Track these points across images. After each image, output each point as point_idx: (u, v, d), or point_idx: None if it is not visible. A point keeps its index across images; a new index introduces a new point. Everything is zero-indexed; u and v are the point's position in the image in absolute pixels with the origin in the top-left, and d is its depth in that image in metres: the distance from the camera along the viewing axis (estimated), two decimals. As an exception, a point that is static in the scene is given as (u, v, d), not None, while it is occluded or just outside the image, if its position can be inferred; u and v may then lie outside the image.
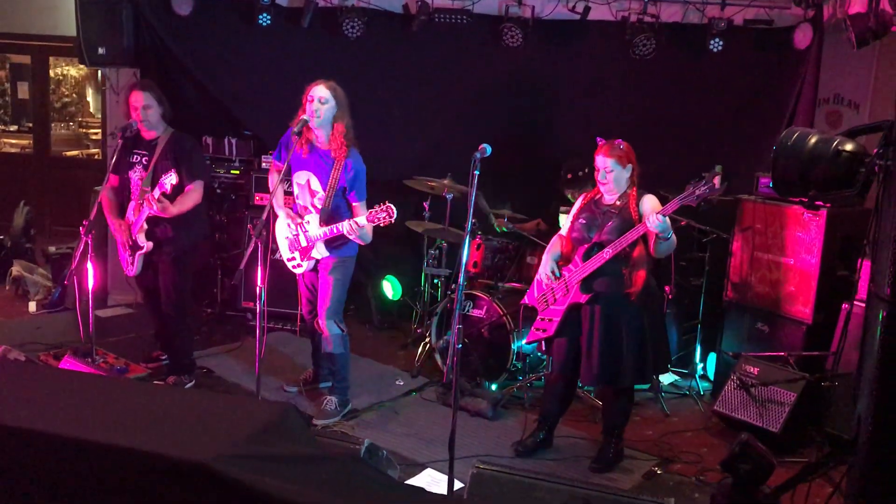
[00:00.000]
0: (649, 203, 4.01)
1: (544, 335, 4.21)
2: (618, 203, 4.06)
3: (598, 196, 4.17)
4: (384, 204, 4.14)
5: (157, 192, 4.47)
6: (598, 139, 4.14)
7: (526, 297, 4.40)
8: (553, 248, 4.29)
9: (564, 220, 4.35)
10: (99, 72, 9.40)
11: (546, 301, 4.23)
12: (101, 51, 6.10)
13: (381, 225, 4.19)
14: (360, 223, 4.23)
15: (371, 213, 4.17)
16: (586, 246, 4.05)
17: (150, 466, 2.07)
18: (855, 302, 4.50)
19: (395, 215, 4.12)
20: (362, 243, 4.42)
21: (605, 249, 3.94)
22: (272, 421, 2.40)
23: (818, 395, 4.45)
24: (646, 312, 4.03)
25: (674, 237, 3.89)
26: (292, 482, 2.10)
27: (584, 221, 4.12)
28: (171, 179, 4.41)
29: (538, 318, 4.26)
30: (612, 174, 4.01)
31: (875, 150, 2.22)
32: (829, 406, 4.37)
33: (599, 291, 4.01)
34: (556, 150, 6.18)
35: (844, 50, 5.37)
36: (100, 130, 9.83)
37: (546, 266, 4.22)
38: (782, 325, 4.92)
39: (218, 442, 2.19)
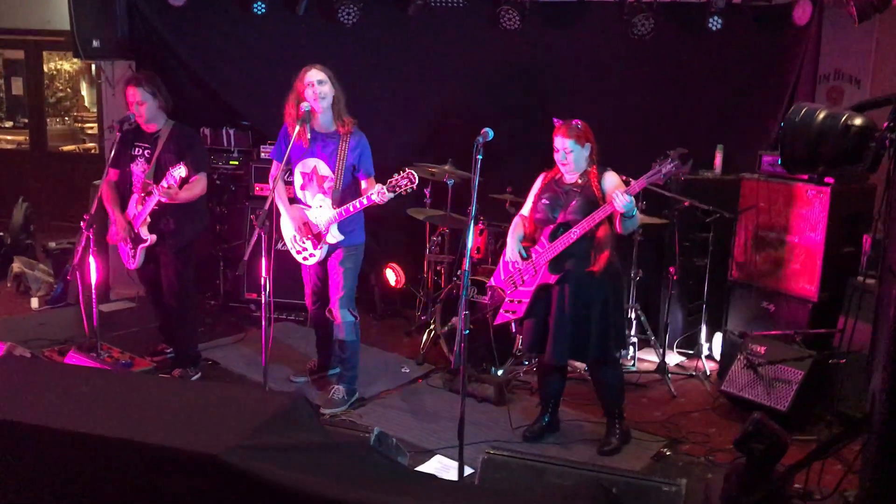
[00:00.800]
0: (611, 181, 4.02)
1: (514, 316, 4.22)
2: (579, 182, 4.05)
3: (558, 176, 4.15)
4: (404, 171, 4.11)
5: (166, 183, 4.43)
6: (555, 120, 4.11)
7: (492, 280, 4.38)
8: (516, 230, 4.26)
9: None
10: (93, 65, 9.37)
11: (514, 283, 4.22)
12: (95, 44, 6.06)
13: (403, 193, 4.15)
14: (381, 192, 4.15)
15: (391, 181, 4.13)
16: (552, 226, 4.05)
17: (162, 460, 2.06)
18: (860, 278, 4.50)
19: (416, 181, 4.09)
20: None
21: (573, 229, 3.94)
22: (282, 411, 2.39)
23: (826, 372, 4.44)
24: (610, 290, 4.06)
25: (638, 215, 3.92)
26: (304, 472, 2.09)
27: (547, 202, 4.11)
28: (180, 172, 4.39)
29: (507, 300, 4.25)
30: (571, 154, 4.00)
31: (885, 125, 2.19)
32: (838, 383, 4.37)
33: (568, 271, 4.02)
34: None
35: (844, 25, 5.33)
36: (96, 125, 9.80)
37: (513, 249, 4.20)
38: (788, 303, 4.91)
39: (228, 434, 2.17)
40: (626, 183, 3.96)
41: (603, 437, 4.26)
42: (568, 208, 4.01)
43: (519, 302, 4.19)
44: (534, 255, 4.13)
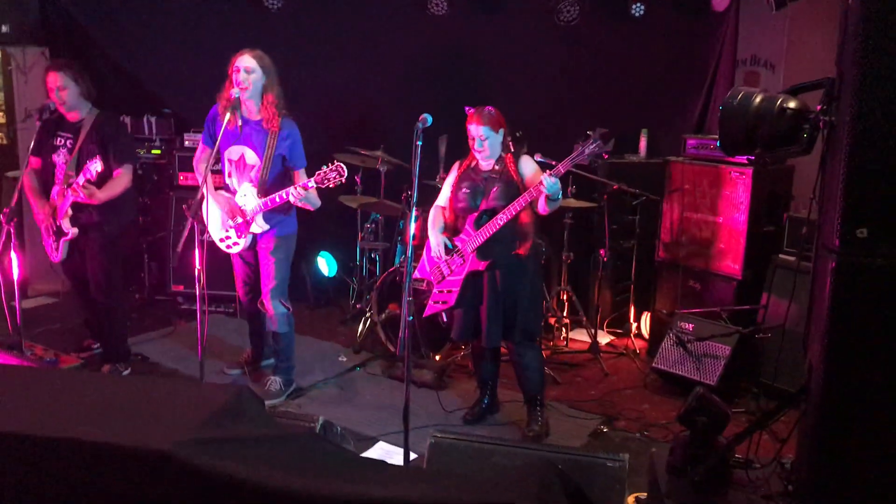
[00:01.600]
0: (529, 164, 4.07)
1: (445, 307, 4.23)
2: (496, 168, 4.08)
3: (473, 163, 4.18)
4: (333, 163, 4.06)
5: (81, 179, 4.27)
6: (467, 108, 4.14)
7: (418, 272, 4.37)
8: (436, 222, 4.28)
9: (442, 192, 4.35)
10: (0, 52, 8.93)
11: (442, 273, 4.23)
12: (4, 28, 5.80)
13: (332, 186, 4.10)
14: (308, 186, 4.13)
15: (319, 174, 4.09)
16: (475, 214, 4.07)
17: (111, 458, 2.00)
18: (780, 255, 4.69)
19: (345, 174, 4.06)
20: (311, 209, 4.33)
21: (499, 215, 3.96)
22: (227, 403, 2.35)
23: (751, 347, 4.62)
24: (534, 273, 4.14)
25: (561, 195, 3.97)
26: (254, 464, 2.06)
27: (467, 190, 4.12)
28: (95, 166, 4.23)
29: (435, 291, 4.26)
30: (487, 141, 4.02)
31: (818, 107, 2.29)
32: (763, 357, 4.55)
33: (497, 256, 4.06)
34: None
35: (760, 11, 5.52)
36: (2, 114, 9.33)
37: (437, 242, 4.20)
38: (714, 281, 5.07)
39: (177, 428, 2.13)
40: (548, 166, 3.99)
41: (525, 424, 4.26)
42: (489, 195, 4.03)
43: (448, 292, 4.20)
44: (459, 245, 4.14)
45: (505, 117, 4.10)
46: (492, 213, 4.00)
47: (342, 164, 4.05)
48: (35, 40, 5.92)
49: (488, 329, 4.11)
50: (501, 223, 3.96)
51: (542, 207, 3.95)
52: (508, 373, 4.58)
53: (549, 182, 3.75)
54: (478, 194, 4.08)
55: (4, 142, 9.01)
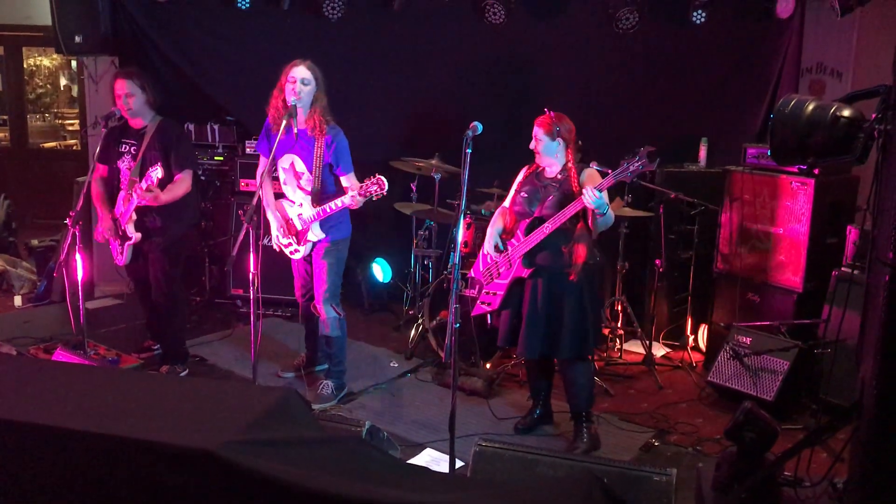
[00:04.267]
0: (589, 177, 4.02)
1: (489, 308, 4.23)
2: (559, 177, 4.06)
3: (540, 169, 4.17)
4: (374, 177, 4.14)
5: (143, 185, 4.42)
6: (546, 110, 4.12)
7: (472, 271, 4.40)
8: (497, 222, 4.28)
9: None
10: (73, 61, 9.27)
11: (491, 275, 4.24)
12: (77, 39, 6.01)
13: (374, 198, 4.17)
14: (353, 197, 4.21)
15: (362, 186, 4.17)
16: (528, 220, 4.05)
17: (158, 456, 2.06)
18: (842, 268, 4.55)
19: (386, 187, 4.13)
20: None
21: (545, 224, 3.94)
22: (275, 406, 2.39)
23: (811, 362, 4.49)
24: (586, 286, 4.02)
25: (611, 213, 3.90)
26: (299, 466, 2.09)
27: (525, 195, 4.12)
28: (157, 173, 4.37)
29: (483, 291, 4.27)
30: (540, 144, 4.03)
31: (873, 115, 2.22)
32: (823, 373, 4.42)
33: (541, 265, 4.02)
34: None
35: (826, 18, 5.38)
36: (76, 121, 9.70)
37: (490, 240, 4.22)
38: (773, 294, 4.95)
39: (223, 429, 2.17)
40: (605, 176, 3.96)
41: (569, 442, 4.18)
42: (545, 203, 4.01)
43: (494, 294, 4.21)
44: (509, 249, 4.14)
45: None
46: (542, 221, 3.99)
47: (382, 178, 4.13)
48: (106, 50, 6.14)
49: (524, 338, 4.06)
50: (546, 232, 3.94)
51: (591, 224, 3.91)
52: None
53: (590, 194, 3.71)
54: (534, 201, 4.07)
55: (78, 147, 9.39)
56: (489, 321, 4.40)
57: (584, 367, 4.18)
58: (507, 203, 4.30)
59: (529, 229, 4.03)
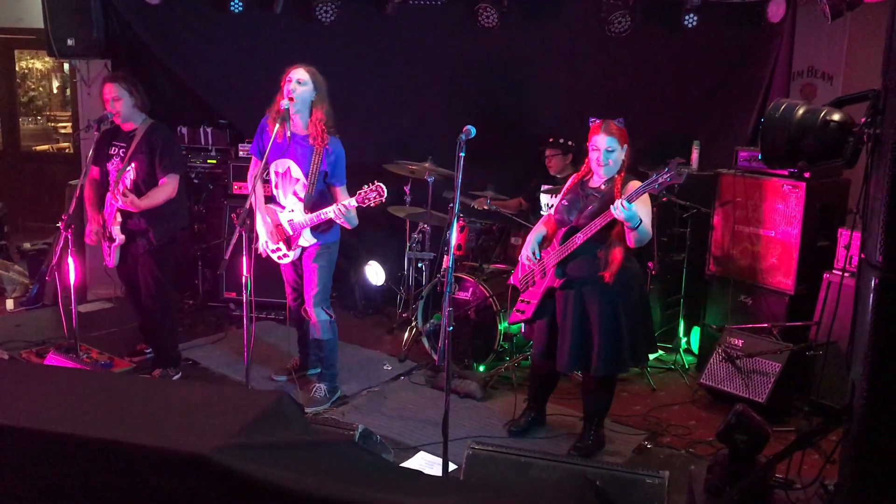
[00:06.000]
0: (632, 188, 3.81)
1: (523, 317, 4.18)
2: (603, 187, 3.93)
3: (587, 178, 4.04)
4: (373, 183, 4.12)
5: (120, 188, 4.42)
6: (592, 119, 3.99)
7: (512, 278, 4.40)
8: (539, 229, 4.22)
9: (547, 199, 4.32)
10: (65, 64, 9.24)
11: (527, 283, 4.21)
12: (69, 42, 5.99)
13: (372, 205, 4.17)
14: (349, 205, 4.20)
15: (360, 194, 4.16)
16: (566, 228, 3.98)
17: (150, 460, 2.05)
18: (834, 271, 4.57)
19: (385, 194, 4.11)
20: (349, 227, 4.40)
21: (577, 234, 3.87)
22: (267, 409, 2.38)
23: (803, 364, 4.51)
24: (622, 297, 3.89)
25: (646, 228, 3.74)
26: (291, 470, 2.09)
27: (566, 203, 4.02)
28: (129, 175, 4.39)
29: (520, 298, 4.25)
30: (613, 154, 3.85)
31: (863, 119, 2.24)
32: (815, 375, 4.44)
33: (574, 276, 3.94)
34: (534, 129, 6.18)
35: (817, 22, 5.40)
36: (69, 124, 9.68)
37: (528, 247, 4.16)
38: (765, 296, 4.97)
39: (216, 433, 2.17)
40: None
41: (576, 440, 4.20)
42: (584, 212, 3.91)
43: (528, 303, 4.15)
44: (544, 257, 4.09)
45: (560, 130, 4.03)
46: (577, 230, 3.90)
47: (381, 185, 4.11)
48: (98, 53, 6.12)
49: (560, 354, 3.98)
50: (578, 242, 3.86)
51: (627, 237, 3.79)
52: (560, 386, 4.54)
53: (619, 208, 3.62)
54: (574, 209, 3.97)
55: (70, 150, 9.37)
56: (522, 329, 4.36)
57: (611, 382, 4.15)
58: (552, 210, 4.22)
59: (565, 238, 3.95)
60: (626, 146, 3.91)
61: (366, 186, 4.14)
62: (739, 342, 4.71)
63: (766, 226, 4.92)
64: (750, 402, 4.38)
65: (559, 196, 4.17)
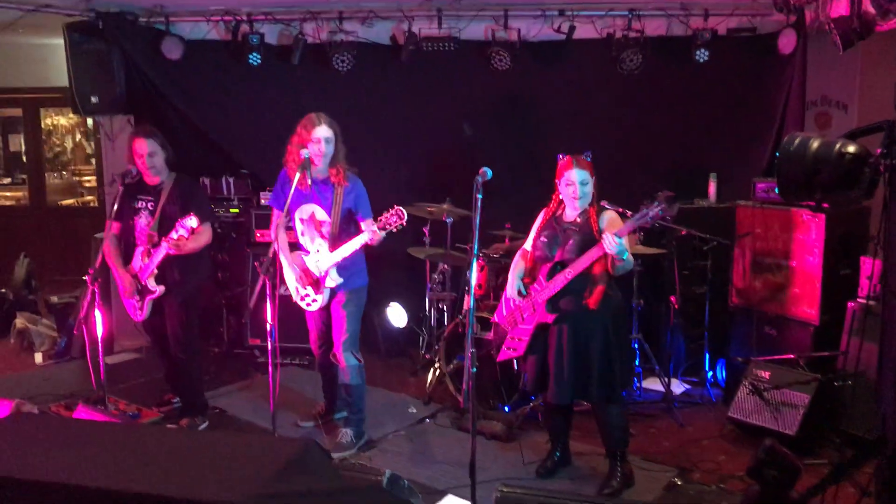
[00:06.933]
0: (609, 220, 3.98)
1: (515, 354, 4.21)
2: (578, 220, 4.02)
3: (558, 213, 4.13)
4: (393, 208, 4.16)
5: (176, 234, 4.44)
6: (561, 155, 4.09)
7: (495, 316, 4.39)
8: (517, 266, 4.25)
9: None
10: (89, 120, 9.46)
11: (515, 320, 4.22)
12: (93, 100, 6.15)
13: (394, 230, 4.20)
14: (373, 231, 4.21)
15: (381, 220, 4.18)
16: (549, 265, 4.03)
17: (179, 512, 2.07)
18: (858, 299, 4.54)
19: (405, 216, 4.15)
20: (374, 243, 4.35)
21: (567, 269, 3.91)
22: (294, 457, 2.40)
23: (832, 395, 4.46)
24: (611, 327, 3.99)
25: (630, 257, 3.88)
26: (321, 518, 2.10)
27: (545, 240, 4.09)
28: (191, 222, 4.39)
29: (508, 336, 4.25)
30: (586, 186, 3.98)
31: (878, 151, 2.25)
32: (845, 405, 4.38)
33: (565, 310, 3.99)
34: (550, 169, 6.19)
35: (829, 52, 5.43)
36: (93, 177, 9.87)
37: (512, 285, 4.19)
38: (789, 327, 4.93)
39: (243, 482, 2.19)
40: (624, 217, 3.97)
41: (604, 479, 4.18)
42: (566, 247, 3.98)
43: (519, 340, 4.19)
44: (532, 293, 4.13)
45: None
46: (564, 265, 3.96)
47: (401, 209, 4.15)
48: (121, 109, 6.27)
49: (554, 384, 4.04)
50: (569, 278, 3.91)
51: (610, 266, 3.90)
52: (582, 425, 4.53)
53: (610, 241, 3.71)
54: (554, 245, 4.04)
55: (95, 204, 9.53)
56: (515, 367, 4.37)
57: (616, 409, 4.14)
58: (527, 246, 4.27)
59: (551, 274, 4.01)
60: (593, 178, 4.01)
61: (385, 213, 4.18)
62: (766, 374, 4.67)
63: (787, 256, 4.90)
64: (780, 435, 4.34)
65: (535, 231, 4.21)
